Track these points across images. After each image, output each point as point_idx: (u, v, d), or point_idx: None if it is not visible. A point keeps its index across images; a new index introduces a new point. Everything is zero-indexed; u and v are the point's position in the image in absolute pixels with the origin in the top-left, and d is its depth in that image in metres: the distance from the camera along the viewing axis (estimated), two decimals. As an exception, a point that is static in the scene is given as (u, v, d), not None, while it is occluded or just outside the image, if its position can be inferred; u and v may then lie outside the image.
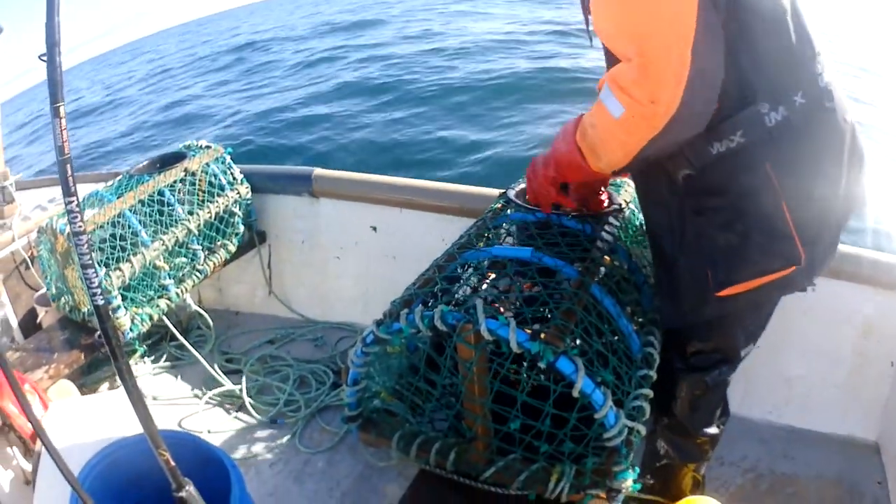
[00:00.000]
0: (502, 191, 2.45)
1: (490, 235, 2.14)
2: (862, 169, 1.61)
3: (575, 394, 1.52)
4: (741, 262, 1.58)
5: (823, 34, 1.59)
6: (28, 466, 2.19)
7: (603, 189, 2.17)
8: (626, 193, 2.30)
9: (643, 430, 1.64)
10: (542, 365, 1.53)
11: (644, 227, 2.01)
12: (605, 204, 2.17)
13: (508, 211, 2.21)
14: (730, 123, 1.50)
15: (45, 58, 0.95)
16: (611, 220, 2.08)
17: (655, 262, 1.90)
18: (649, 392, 1.73)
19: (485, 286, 1.93)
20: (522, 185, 2.39)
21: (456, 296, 1.84)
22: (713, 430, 1.99)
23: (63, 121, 0.97)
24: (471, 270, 1.98)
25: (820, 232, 1.59)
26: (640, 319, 1.96)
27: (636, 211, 2.30)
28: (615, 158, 1.60)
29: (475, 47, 15.10)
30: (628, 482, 1.65)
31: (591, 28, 1.64)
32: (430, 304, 1.80)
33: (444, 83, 12.21)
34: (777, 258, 1.55)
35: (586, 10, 1.68)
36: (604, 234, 2.00)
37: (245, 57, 21.61)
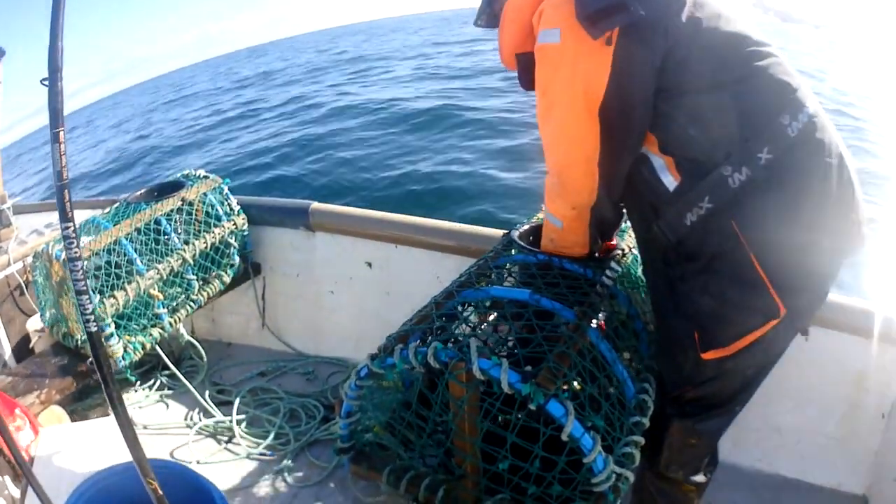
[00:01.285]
0: (506, 231, 2.47)
1: (491, 275, 2.15)
2: (853, 201, 1.59)
3: (564, 437, 1.52)
4: (723, 324, 1.62)
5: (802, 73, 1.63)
6: (17, 492, 2.16)
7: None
8: (630, 239, 2.30)
9: (631, 476, 1.63)
10: (532, 407, 1.53)
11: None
12: (614, 242, 2.23)
13: (511, 251, 2.22)
14: (697, 192, 1.58)
15: (46, 82, 0.96)
16: (612, 264, 2.09)
17: (656, 325, 1.99)
18: (640, 439, 1.72)
19: (481, 326, 1.93)
20: (526, 227, 2.41)
21: (453, 334, 1.85)
22: (700, 478, 1.97)
23: (62, 146, 0.98)
24: (469, 309, 1.99)
25: (804, 280, 1.58)
26: (637, 366, 1.95)
27: (639, 258, 2.31)
28: (579, 249, 2.02)
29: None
30: (615, 528, 1.64)
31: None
32: (426, 340, 1.80)
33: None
34: (755, 314, 1.57)
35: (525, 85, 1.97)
36: (604, 278, 2.01)
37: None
